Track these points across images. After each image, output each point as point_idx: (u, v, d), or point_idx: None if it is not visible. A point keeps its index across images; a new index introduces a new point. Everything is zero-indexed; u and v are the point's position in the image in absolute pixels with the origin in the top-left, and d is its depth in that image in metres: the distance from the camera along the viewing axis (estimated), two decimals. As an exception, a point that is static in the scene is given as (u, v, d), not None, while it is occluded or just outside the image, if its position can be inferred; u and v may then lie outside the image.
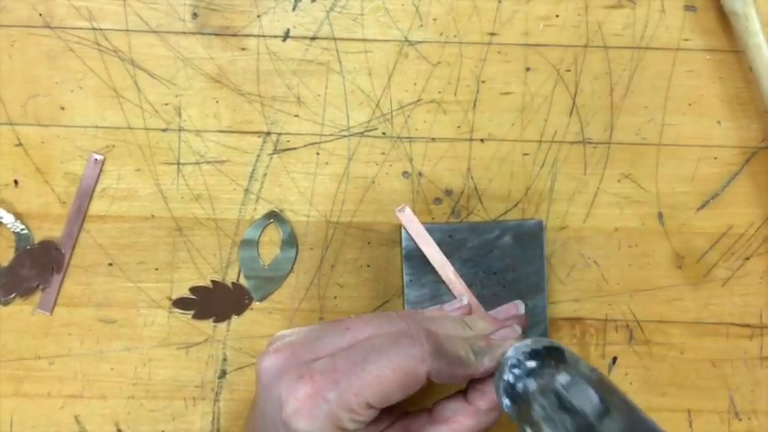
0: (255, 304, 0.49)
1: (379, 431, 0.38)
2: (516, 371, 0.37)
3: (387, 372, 0.36)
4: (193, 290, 0.48)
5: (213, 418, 0.48)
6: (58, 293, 0.48)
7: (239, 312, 0.48)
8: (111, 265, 0.49)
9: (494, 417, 0.39)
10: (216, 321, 0.48)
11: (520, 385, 0.37)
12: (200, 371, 0.48)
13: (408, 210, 0.45)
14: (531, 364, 0.37)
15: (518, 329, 0.41)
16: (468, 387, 0.40)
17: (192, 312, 0.48)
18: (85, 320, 0.48)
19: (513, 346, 0.39)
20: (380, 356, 0.36)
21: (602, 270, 0.50)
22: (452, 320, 0.41)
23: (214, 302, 0.48)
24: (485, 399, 0.39)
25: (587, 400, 0.34)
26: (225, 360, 0.48)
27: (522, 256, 0.46)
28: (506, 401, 0.37)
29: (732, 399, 0.49)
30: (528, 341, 0.39)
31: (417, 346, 0.37)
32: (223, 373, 0.48)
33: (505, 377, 0.38)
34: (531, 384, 0.36)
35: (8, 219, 0.48)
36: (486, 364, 0.39)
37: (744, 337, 0.49)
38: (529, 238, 0.46)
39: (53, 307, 0.48)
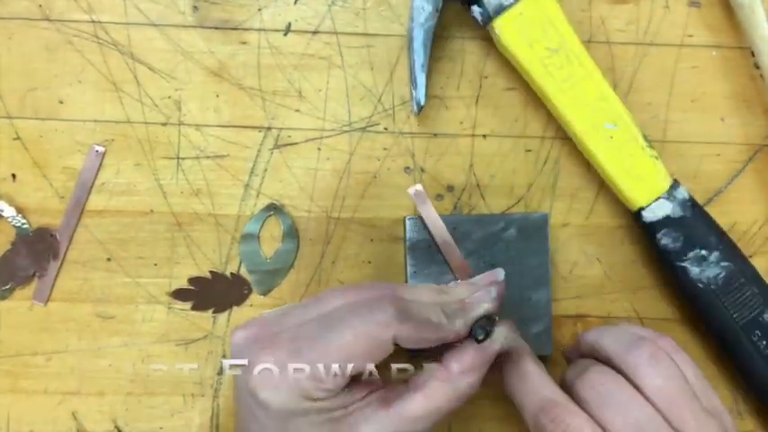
0: (256, 300, 0.48)
1: (355, 400, 0.37)
2: None
3: (349, 338, 0.36)
4: (192, 281, 0.48)
5: (212, 415, 0.48)
6: (54, 284, 0.48)
7: (238, 303, 0.48)
8: (109, 260, 0.48)
9: (469, 380, 0.38)
10: (215, 312, 0.48)
11: None
12: (199, 367, 0.48)
13: (421, 188, 0.45)
14: None
15: (493, 292, 0.40)
16: (444, 349, 0.39)
17: (191, 303, 0.48)
18: (83, 316, 0.48)
19: None
20: (344, 324, 0.36)
21: (604, 267, 0.49)
22: (427, 287, 0.41)
23: (213, 293, 0.48)
24: (458, 360, 0.38)
25: None
26: (224, 356, 0.48)
27: (526, 249, 0.46)
28: None
29: (736, 398, 0.49)
30: None
31: (381, 311, 0.36)
32: (222, 370, 0.48)
33: None
34: None
35: (9, 212, 0.47)
36: (459, 327, 0.38)
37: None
38: (533, 232, 0.46)
39: (49, 297, 0.48)
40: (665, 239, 0.45)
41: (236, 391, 0.39)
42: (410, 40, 0.46)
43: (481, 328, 0.39)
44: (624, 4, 0.49)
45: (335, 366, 0.36)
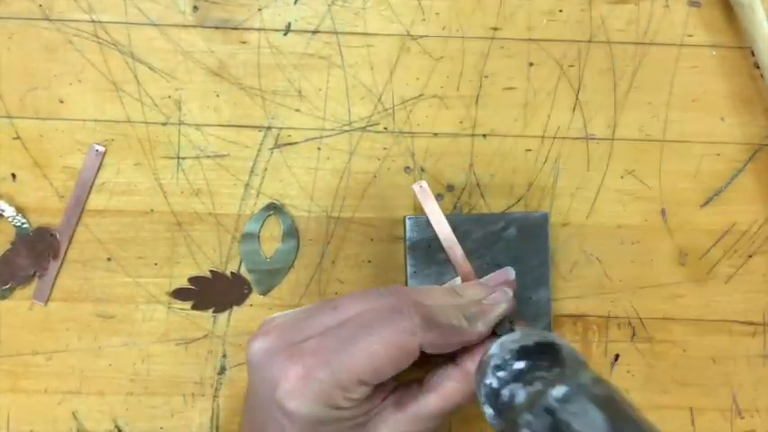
0: (256, 300, 0.48)
1: (374, 406, 0.38)
2: (501, 373, 0.32)
3: (377, 347, 0.36)
4: (192, 280, 0.48)
5: (212, 415, 0.48)
6: (54, 283, 0.48)
7: (239, 303, 0.48)
8: (109, 259, 0.48)
9: None
10: (215, 312, 0.48)
11: (505, 392, 0.31)
12: (199, 367, 0.48)
13: (425, 185, 0.45)
14: (519, 365, 0.31)
15: (509, 293, 0.41)
16: (457, 350, 0.40)
17: (191, 303, 0.48)
18: (83, 316, 0.48)
19: (498, 342, 0.35)
20: (370, 332, 0.36)
21: (604, 267, 0.49)
22: (442, 290, 0.41)
23: (213, 293, 0.48)
24: (474, 360, 0.39)
25: (589, 425, 0.26)
26: (224, 356, 0.48)
27: (526, 248, 0.46)
28: (489, 411, 0.32)
29: (735, 397, 0.49)
30: (516, 335, 0.34)
31: (407, 319, 0.36)
32: (222, 370, 0.48)
33: (488, 381, 0.32)
34: (519, 393, 0.30)
35: (9, 212, 0.47)
36: (480, 329, 0.39)
37: (747, 334, 0.49)
38: (534, 231, 0.46)
39: (49, 297, 0.48)
40: None
41: (255, 398, 0.38)
42: None
43: (508, 332, 0.39)
44: (624, 4, 0.49)
45: (363, 376, 0.36)
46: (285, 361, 0.36)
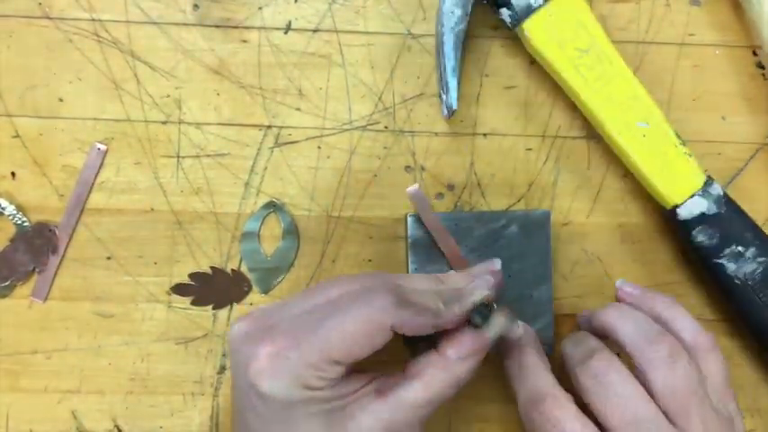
0: (256, 298, 0.48)
1: (353, 390, 0.37)
2: None
3: (347, 325, 0.36)
4: (193, 276, 0.48)
5: (212, 414, 0.48)
6: (53, 280, 0.48)
7: (238, 300, 0.48)
8: (109, 258, 0.48)
9: (467, 366, 0.38)
10: (215, 308, 0.48)
11: None
12: (199, 366, 0.48)
13: (418, 187, 0.45)
14: None
15: (491, 280, 0.41)
16: (439, 338, 0.39)
17: (191, 299, 0.48)
18: (83, 314, 0.48)
19: None
20: (342, 312, 0.36)
21: (605, 266, 0.49)
22: (424, 276, 0.41)
23: (213, 289, 0.48)
24: (455, 347, 0.38)
25: None
26: (224, 355, 0.48)
27: (527, 246, 0.46)
28: None
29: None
30: None
31: (379, 297, 0.36)
32: (222, 369, 0.48)
33: None
34: None
35: (10, 210, 0.47)
36: (456, 312, 0.38)
37: (747, 334, 0.49)
38: (535, 229, 0.46)
39: (48, 295, 0.48)
40: (701, 237, 0.45)
41: (234, 383, 0.39)
42: (440, 44, 0.46)
43: (479, 314, 0.39)
44: (625, 3, 0.49)
45: (335, 354, 0.36)
46: (257, 342, 0.37)
